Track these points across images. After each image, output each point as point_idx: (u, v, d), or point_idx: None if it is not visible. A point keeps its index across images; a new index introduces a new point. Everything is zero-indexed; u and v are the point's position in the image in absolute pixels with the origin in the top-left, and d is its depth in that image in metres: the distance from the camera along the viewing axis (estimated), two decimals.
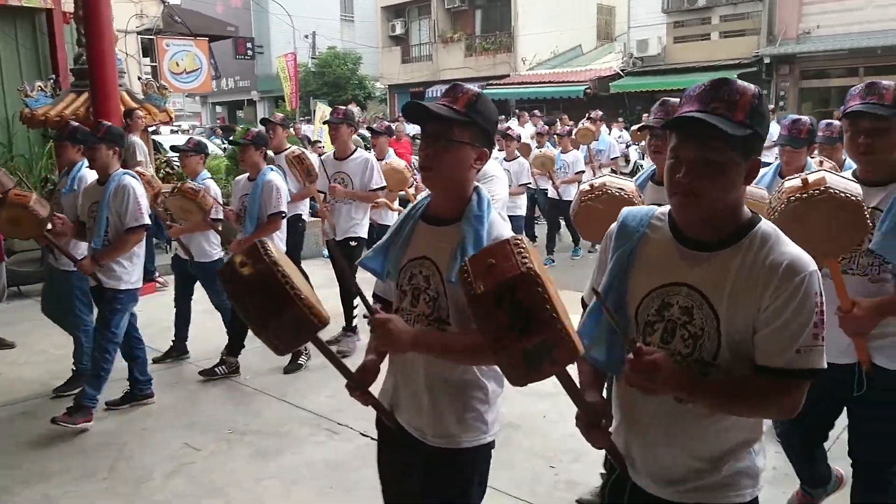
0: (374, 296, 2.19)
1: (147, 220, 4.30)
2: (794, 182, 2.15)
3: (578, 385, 1.63)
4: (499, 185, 4.41)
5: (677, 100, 2.60)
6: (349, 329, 5.73)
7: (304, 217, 6.33)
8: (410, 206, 2.12)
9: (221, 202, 5.42)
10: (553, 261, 8.82)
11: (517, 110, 16.60)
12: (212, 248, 5.30)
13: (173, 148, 6.11)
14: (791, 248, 1.50)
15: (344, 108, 5.72)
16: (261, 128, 6.60)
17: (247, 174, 5.14)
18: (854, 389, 2.46)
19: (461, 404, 2.00)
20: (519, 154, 8.32)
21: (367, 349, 2.09)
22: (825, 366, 1.49)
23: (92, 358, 4.33)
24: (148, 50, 13.47)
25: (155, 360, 5.23)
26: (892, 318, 2.36)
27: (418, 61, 29.62)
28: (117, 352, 4.34)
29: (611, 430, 1.66)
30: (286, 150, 6.18)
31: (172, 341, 5.50)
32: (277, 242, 5.03)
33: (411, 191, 6.16)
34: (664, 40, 21.49)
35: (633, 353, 1.45)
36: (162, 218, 5.58)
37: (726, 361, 1.52)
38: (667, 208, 1.65)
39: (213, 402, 4.71)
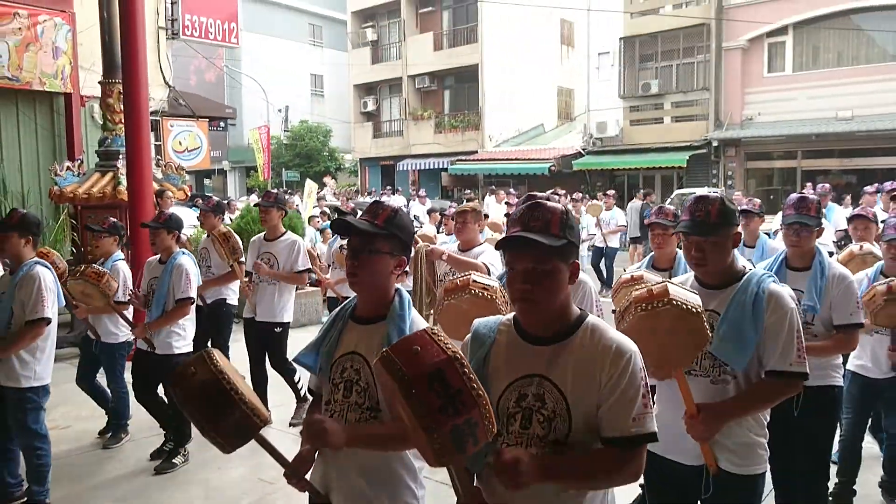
0: (309, 390, 2.46)
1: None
2: (641, 292, 2.28)
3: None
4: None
5: (672, 207, 3.24)
6: (301, 399, 5.86)
7: (229, 301, 6.16)
8: (339, 307, 2.36)
9: (131, 286, 5.22)
10: None
11: (493, 186, 17.72)
12: (118, 328, 5.23)
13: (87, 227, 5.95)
14: (616, 335, 1.82)
15: (276, 192, 5.86)
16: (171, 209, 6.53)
17: (159, 256, 5.03)
18: (702, 492, 2.49)
19: (394, 484, 2.17)
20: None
21: (303, 440, 2.24)
22: (655, 429, 1.76)
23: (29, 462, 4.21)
24: (152, 130, 14.35)
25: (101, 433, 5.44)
26: (735, 423, 2.41)
27: (389, 136, 30.99)
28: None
29: None
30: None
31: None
32: (188, 328, 4.98)
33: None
34: (621, 122, 23.17)
35: (494, 454, 1.65)
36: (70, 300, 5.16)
37: (577, 437, 1.77)
38: (511, 315, 1.96)
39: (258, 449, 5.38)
